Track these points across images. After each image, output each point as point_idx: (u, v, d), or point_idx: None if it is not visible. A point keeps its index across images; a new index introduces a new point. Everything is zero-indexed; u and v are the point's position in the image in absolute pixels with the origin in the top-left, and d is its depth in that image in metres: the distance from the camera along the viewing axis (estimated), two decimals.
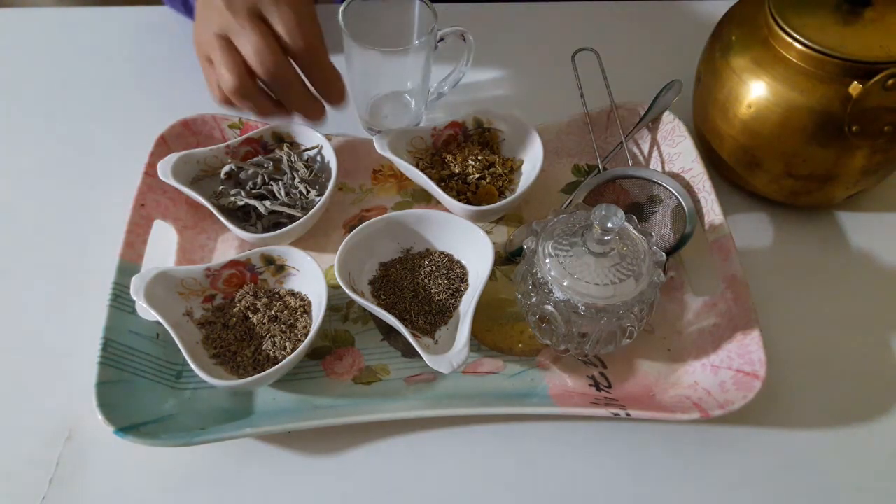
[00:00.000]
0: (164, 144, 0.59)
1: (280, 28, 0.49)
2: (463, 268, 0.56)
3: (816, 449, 0.49)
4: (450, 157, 0.60)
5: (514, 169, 0.61)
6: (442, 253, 0.56)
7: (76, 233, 0.60)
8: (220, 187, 0.58)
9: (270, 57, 0.49)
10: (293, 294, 0.54)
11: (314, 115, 0.54)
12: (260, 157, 0.60)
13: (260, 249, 0.54)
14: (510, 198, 0.56)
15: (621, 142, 0.61)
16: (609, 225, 0.44)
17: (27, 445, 0.49)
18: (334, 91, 0.53)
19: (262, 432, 0.48)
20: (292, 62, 0.51)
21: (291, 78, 0.51)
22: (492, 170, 0.60)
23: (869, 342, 0.55)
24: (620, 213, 0.44)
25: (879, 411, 0.51)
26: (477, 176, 0.59)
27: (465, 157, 0.60)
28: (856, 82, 0.51)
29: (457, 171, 0.59)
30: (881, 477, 0.48)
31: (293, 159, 0.59)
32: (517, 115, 0.60)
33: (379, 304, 0.53)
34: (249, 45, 0.49)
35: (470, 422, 0.50)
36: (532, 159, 0.59)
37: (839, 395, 0.52)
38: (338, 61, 0.54)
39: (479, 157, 0.60)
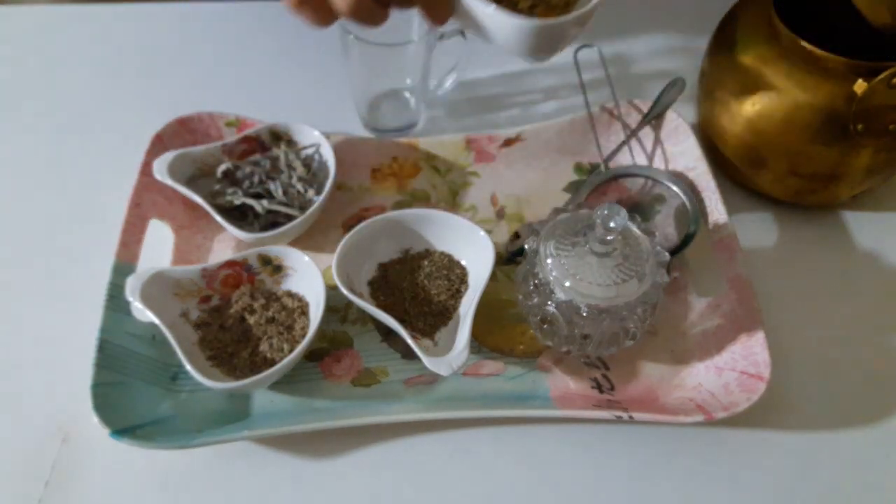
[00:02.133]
0: (160, 143, 0.59)
1: None
2: (463, 268, 0.55)
3: (822, 451, 0.49)
4: None
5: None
6: (442, 253, 0.56)
7: (71, 232, 0.59)
8: (217, 186, 0.57)
9: None
10: (291, 295, 0.53)
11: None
12: (257, 156, 0.59)
13: (257, 249, 0.53)
14: (587, 6, 0.43)
15: (624, 140, 0.61)
16: (612, 224, 0.43)
17: (22, 448, 0.48)
18: (439, 13, 0.45)
19: (260, 435, 0.47)
20: None
21: None
22: None
23: (875, 343, 0.54)
24: (623, 212, 0.44)
25: (886, 413, 0.50)
26: (529, 4, 0.48)
27: None
28: (861, 80, 0.50)
29: None
30: (887, 479, 0.48)
31: (291, 158, 0.58)
32: None
33: (378, 306, 0.52)
34: None
35: (470, 425, 0.49)
36: None
37: (845, 397, 0.51)
38: (337, 59, 0.54)
39: None
